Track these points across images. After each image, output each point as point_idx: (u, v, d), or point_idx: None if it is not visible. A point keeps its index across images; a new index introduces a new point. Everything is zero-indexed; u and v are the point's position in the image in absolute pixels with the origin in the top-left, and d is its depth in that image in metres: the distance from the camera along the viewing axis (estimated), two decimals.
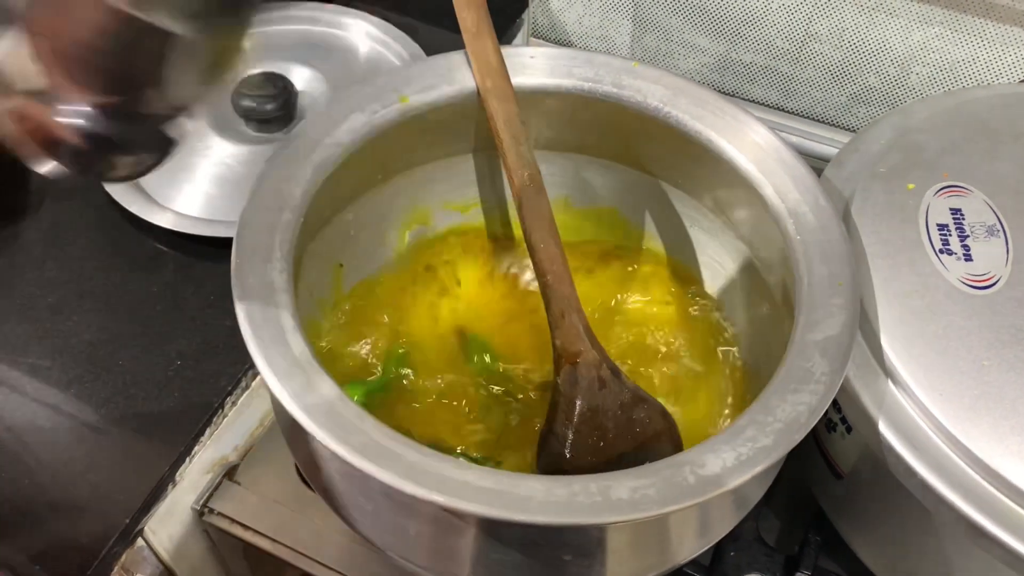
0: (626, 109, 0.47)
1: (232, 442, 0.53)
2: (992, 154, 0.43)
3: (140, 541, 0.48)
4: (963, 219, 0.40)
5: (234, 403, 0.52)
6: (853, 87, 0.66)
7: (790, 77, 0.67)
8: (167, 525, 0.49)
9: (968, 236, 0.40)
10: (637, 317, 0.52)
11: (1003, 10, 0.58)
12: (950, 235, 0.40)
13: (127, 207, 0.57)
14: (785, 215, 0.42)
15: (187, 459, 0.49)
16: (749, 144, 0.44)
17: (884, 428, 0.36)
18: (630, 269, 0.54)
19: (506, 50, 0.47)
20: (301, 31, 0.70)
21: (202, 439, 0.50)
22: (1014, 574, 0.34)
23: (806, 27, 0.64)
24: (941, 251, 0.39)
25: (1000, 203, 0.41)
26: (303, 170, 0.42)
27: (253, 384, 0.53)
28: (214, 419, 0.50)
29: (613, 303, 0.52)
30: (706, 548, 0.41)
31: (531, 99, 0.48)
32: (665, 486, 0.32)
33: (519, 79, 0.47)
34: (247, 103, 0.61)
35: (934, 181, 0.42)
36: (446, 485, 0.32)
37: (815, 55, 0.65)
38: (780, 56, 0.66)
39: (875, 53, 0.63)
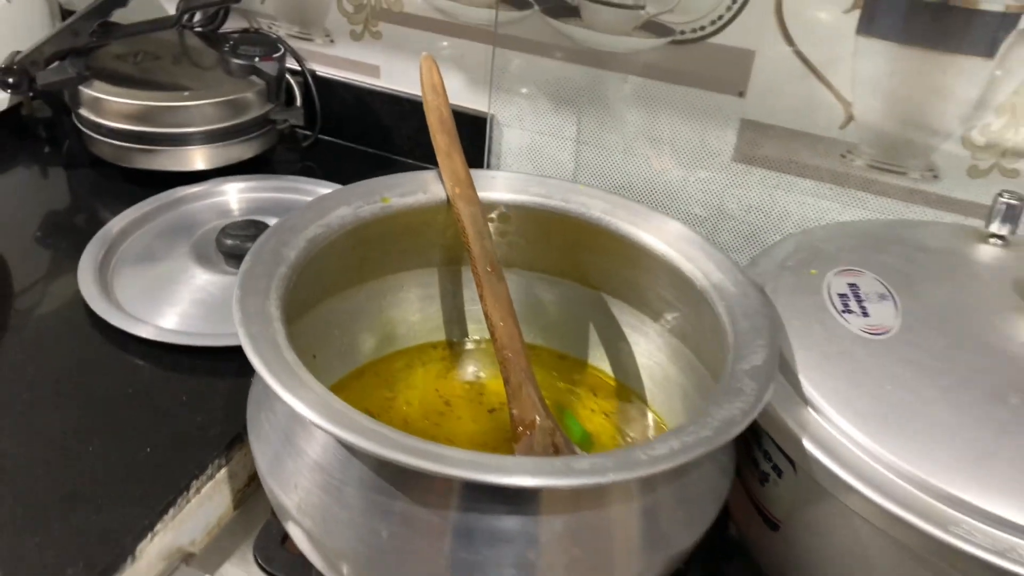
0: (573, 219, 0.55)
1: (191, 534, 0.53)
2: (879, 250, 0.52)
3: None
4: (859, 289, 0.48)
5: (199, 490, 0.53)
6: (762, 248, 0.76)
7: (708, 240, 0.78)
8: None
9: (864, 300, 0.47)
10: (583, 416, 0.57)
11: (880, 184, 0.70)
12: (850, 300, 0.47)
13: (108, 320, 0.61)
14: (710, 288, 0.49)
15: (148, 535, 0.49)
16: (674, 237, 0.52)
17: (808, 444, 0.41)
18: (576, 377, 0.59)
19: (472, 171, 0.56)
20: (282, 197, 0.79)
21: (165, 518, 0.51)
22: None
23: (720, 200, 0.75)
24: (843, 311, 0.47)
25: (888, 279, 0.49)
26: (297, 240, 0.48)
27: (218, 475, 0.54)
28: (178, 500, 0.51)
29: (562, 407, 0.57)
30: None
31: (490, 217, 0.56)
32: (621, 461, 0.36)
33: (483, 193, 0.55)
34: (230, 242, 0.68)
35: (833, 267, 0.50)
36: (430, 455, 0.35)
37: (728, 220, 0.76)
38: (699, 223, 0.77)
39: (779, 219, 0.74)
